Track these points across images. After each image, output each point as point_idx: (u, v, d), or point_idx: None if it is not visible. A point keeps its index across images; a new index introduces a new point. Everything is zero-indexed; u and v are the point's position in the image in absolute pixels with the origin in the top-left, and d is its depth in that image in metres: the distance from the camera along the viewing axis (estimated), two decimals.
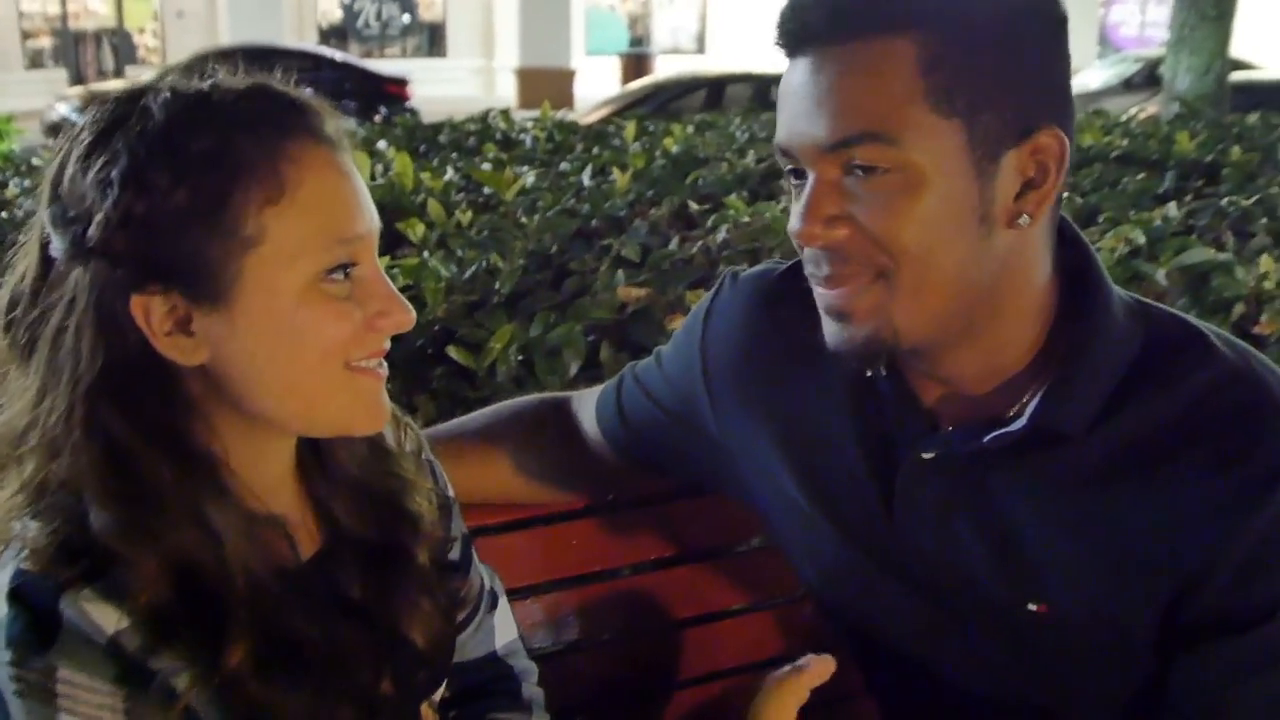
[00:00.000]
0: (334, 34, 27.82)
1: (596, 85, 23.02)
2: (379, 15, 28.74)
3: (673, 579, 1.76)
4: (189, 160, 1.01)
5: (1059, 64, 1.16)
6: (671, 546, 1.74)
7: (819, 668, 1.18)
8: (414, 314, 1.11)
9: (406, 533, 1.23)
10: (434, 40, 29.22)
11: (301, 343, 1.06)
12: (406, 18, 29.18)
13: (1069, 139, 1.15)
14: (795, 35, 1.15)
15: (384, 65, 20.84)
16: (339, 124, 1.11)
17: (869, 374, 1.29)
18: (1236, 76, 9.62)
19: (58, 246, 1.04)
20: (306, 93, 1.11)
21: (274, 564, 1.10)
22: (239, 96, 1.05)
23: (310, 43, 24.10)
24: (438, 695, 1.30)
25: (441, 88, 23.48)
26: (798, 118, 1.15)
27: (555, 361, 2.39)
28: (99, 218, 1.00)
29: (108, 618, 1.02)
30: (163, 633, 1.03)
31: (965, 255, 1.14)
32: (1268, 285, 2.90)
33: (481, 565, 1.39)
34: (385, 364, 1.12)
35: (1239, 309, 2.81)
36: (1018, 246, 1.16)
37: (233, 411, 1.09)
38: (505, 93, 23.89)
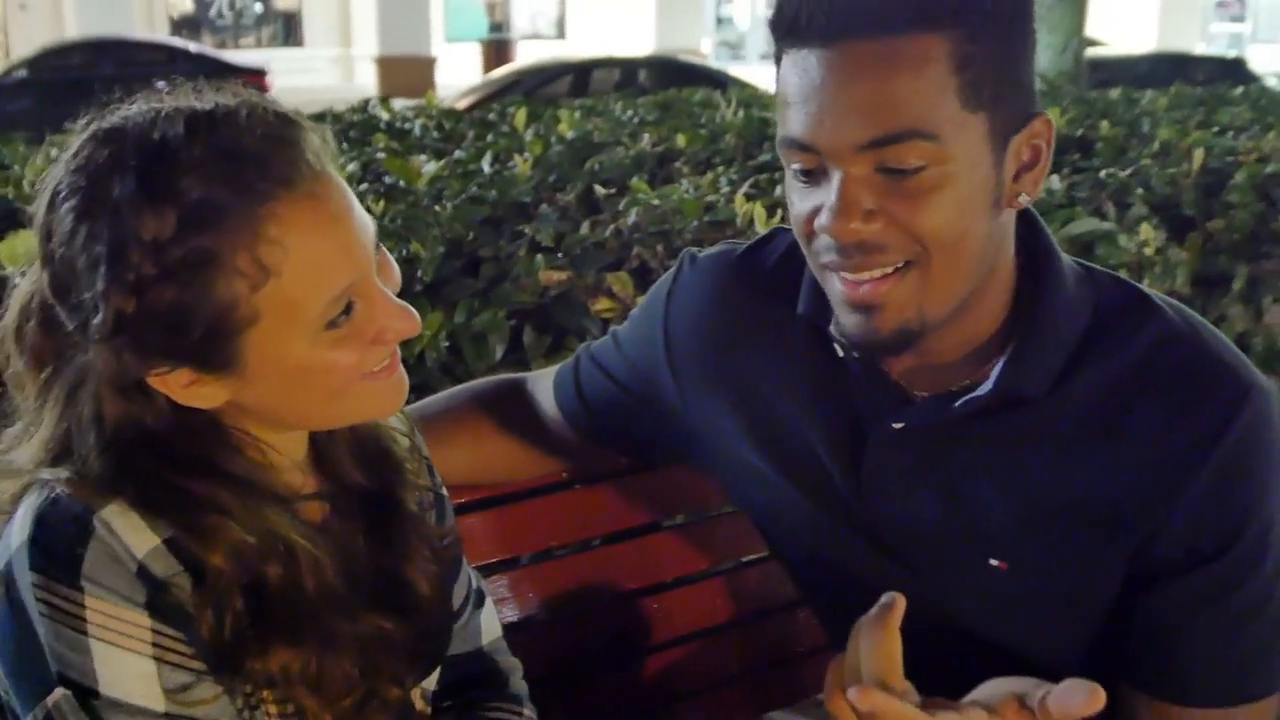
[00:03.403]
0: (186, 25, 27.12)
1: (458, 72, 22.89)
2: (232, 5, 28.13)
3: (628, 551, 1.82)
4: (168, 257, 1.00)
5: (1035, 53, 1.23)
6: (625, 520, 1.80)
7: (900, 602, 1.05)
8: (418, 319, 1.13)
9: (399, 481, 1.28)
10: (290, 29, 28.69)
11: (314, 382, 1.10)
12: (260, 7, 28.61)
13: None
14: (817, 26, 1.14)
15: (240, 56, 20.41)
16: (319, 143, 1.09)
17: (840, 353, 1.33)
18: (1090, 53, 9.98)
19: (62, 316, 1.06)
20: (283, 124, 1.07)
21: (306, 532, 1.15)
22: (211, 160, 1.02)
23: (162, 34, 23.50)
24: (430, 685, 1.33)
25: (299, 78, 23.10)
26: (826, 114, 1.14)
27: (481, 347, 2.43)
28: (96, 319, 1.02)
29: (139, 538, 1.05)
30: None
31: (983, 237, 1.19)
32: (1148, 252, 3.06)
33: (468, 566, 1.43)
34: (398, 349, 1.16)
35: (1123, 275, 2.97)
36: (1007, 223, 1.24)
37: (258, 420, 1.14)
38: (365, 81, 23.59)
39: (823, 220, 1.17)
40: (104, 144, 1.04)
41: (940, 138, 1.13)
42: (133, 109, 1.06)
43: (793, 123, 1.17)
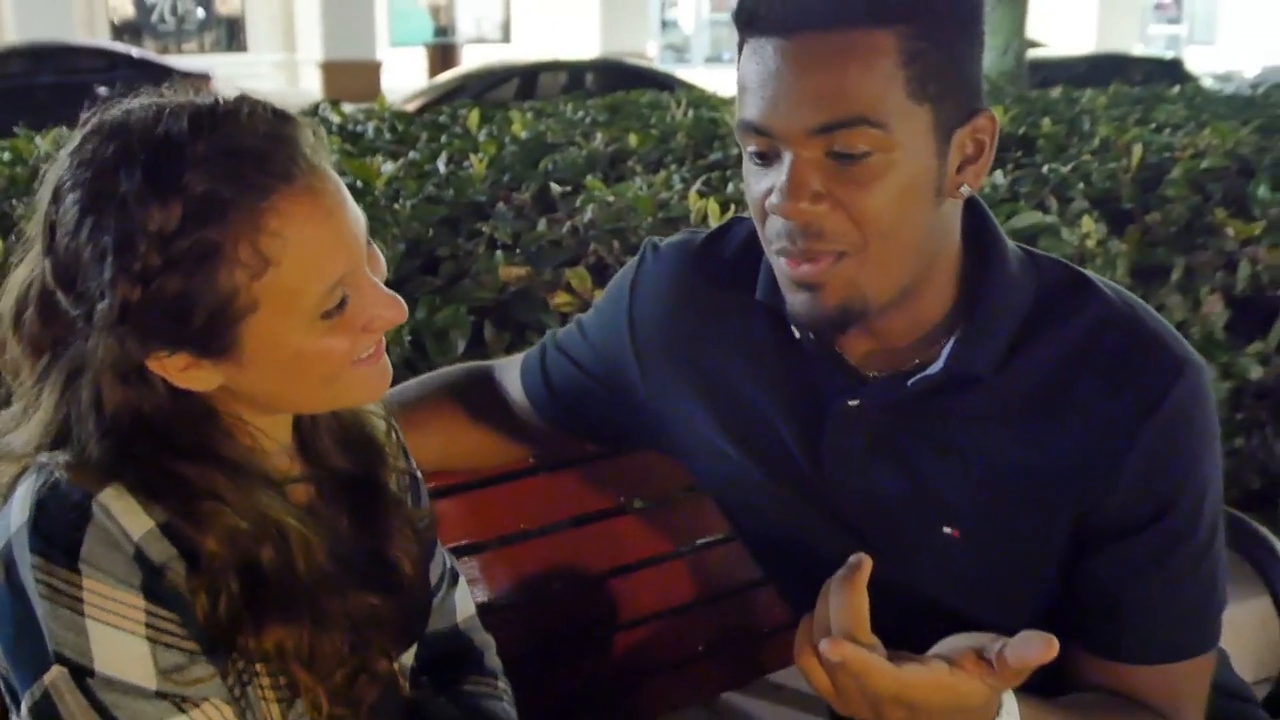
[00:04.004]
0: (127, 30, 26.81)
1: (403, 77, 22.81)
2: (174, 9, 27.84)
3: (594, 534, 1.87)
4: (174, 249, 1.04)
5: (983, 52, 1.30)
6: (591, 504, 1.86)
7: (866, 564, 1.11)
8: (405, 308, 1.18)
9: (380, 464, 1.33)
10: (233, 34, 28.47)
11: (307, 368, 1.15)
12: (202, 12, 28.35)
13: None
14: (777, 17, 1.21)
15: (183, 61, 20.21)
16: (314, 139, 1.13)
17: (797, 335, 1.39)
18: (1030, 54, 10.14)
19: (64, 304, 1.10)
20: (280, 121, 1.11)
21: (296, 514, 1.19)
22: (214, 156, 1.06)
23: (103, 39, 23.24)
24: (408, 661, 1.38)
25: (243, 83, 22.33)
26: (780, 99, 1.21)
27: (444, 343, 2.48)
28: (102, 307, 1.06)
29: (136, 521, 1.09)
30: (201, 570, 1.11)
31: (924, 226, 1.26)
32: (1090, 244, 3.16)
33: (441, 546, 1.48)
34: (384, 338, 1.20)
35: None
36: (951, 213, 1.30)
37: (251, 404, 1.19)
38: (310, 86, 23.46)
39: (773, 200, 1.24)
40: (109, 139, 1.08)
41: (887, 126, 1.20)
42: (134, 105, 1.11)
43: (750, 107, 1.24)
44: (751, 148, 1.27)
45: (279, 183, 1.08)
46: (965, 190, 1.29)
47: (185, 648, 1.11)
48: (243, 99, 1.11)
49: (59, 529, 1.07)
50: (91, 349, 1.10)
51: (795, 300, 1.29)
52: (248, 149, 1.07)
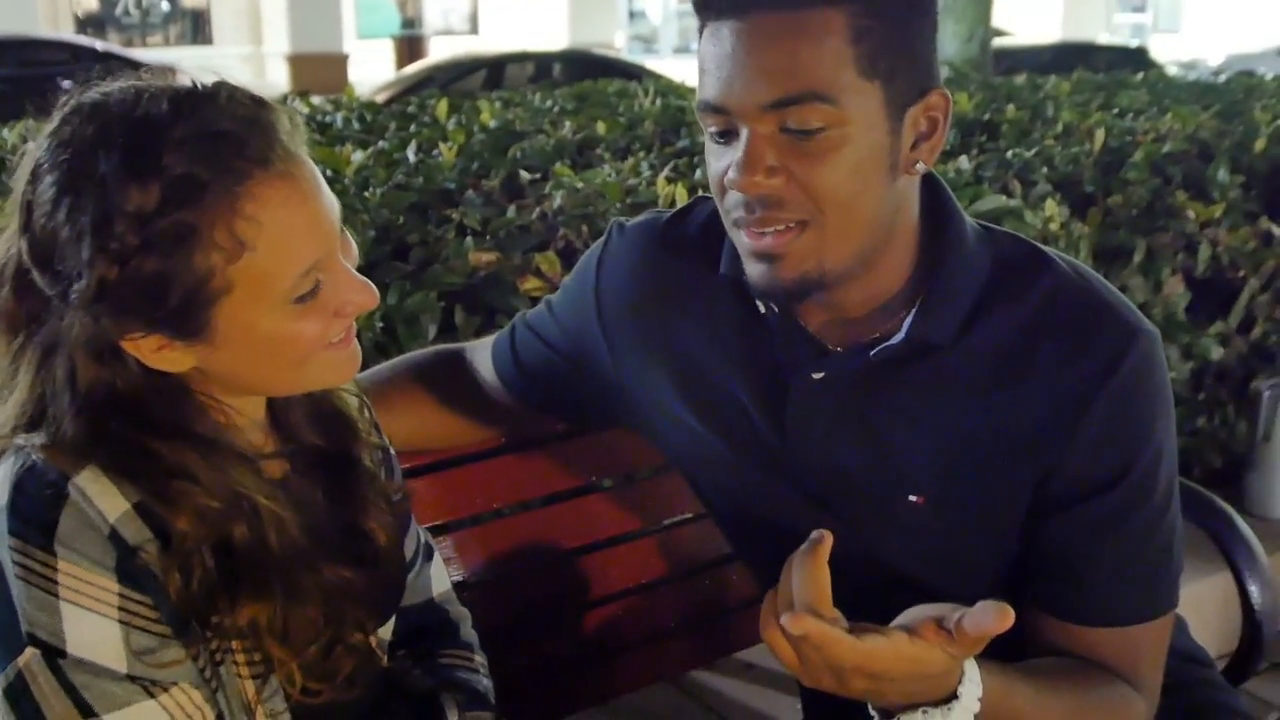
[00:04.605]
0: (91, 23, 26.61)
1: (370, 69, 22.71)
2: (139, 3, 27.65)
3: (565, 512, 1.90)
4: (151, 229, 1.06)
5: (936, 32, 1.33)
6: (562, 483, 1.88)
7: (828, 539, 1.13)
8: (377, 293, 1.20)
9: (353, 439, 1.35)
10: (198, 27, 28.26)
11: (279, 351, 1.17)
12: (167, 4, 28.15)
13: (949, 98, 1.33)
14: (736, 3, 1.25)
15: (148, 55, 20.09)
16: (293, 124, 1.15)
17: (763, 309, 1.43)
18: (996, 42, 10.21)
19: (40, 282, 1.11)
20: (258, 106, 1.13)
21: (269, 490, 1.21)
22: (192, 139, 1.07)
23: (67, 32, 23.07)
24: (386, 635, 1.40)
25: (210, 76, 22.76)
26: (734, 78, 1.25)
27: (414, 327, 2.49)
28: (77, 286, 1.07)
29: (111, 503, 1.10)
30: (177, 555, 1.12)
31: (879, 199, 1.30)
32: (1053, 227, 3.20)
33: (415, 521, 1.50)
34: (354, 323, 1.22)
35: None
36: (907, 188, 1.34)
37: (222, 385, 1.20)
38: (276, 79, 23.32)
39: (731, 175, 1.28)
40: (89, 120, 1.09)
41: (838, 102, 1.24)
42: (113, 87, 1.12)
43: (708, 87, 1.28)
44: (711, 127, 1.31)
45: (256, 167, 1.09)
46: (920, 167, 1.32)
47: (157, 631, 1.13)
48: (221, 84, 1.13)
49: (36, 510, 1.09)
50: (66, 327, 1.11)
51: (755, 271, 1.33)
52: (226, 133, 1.09)
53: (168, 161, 1.06)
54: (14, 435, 1.13)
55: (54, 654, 1.09)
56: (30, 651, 1.09)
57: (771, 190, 1.27)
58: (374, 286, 1.20)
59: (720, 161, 1.30)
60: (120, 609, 1.11)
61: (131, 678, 1.11)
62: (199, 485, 1.14)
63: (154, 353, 1.13)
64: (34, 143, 1.12)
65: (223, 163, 1.08)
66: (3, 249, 1.16)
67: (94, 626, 1.10)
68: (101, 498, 1.10)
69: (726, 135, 1.29)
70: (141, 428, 1.14)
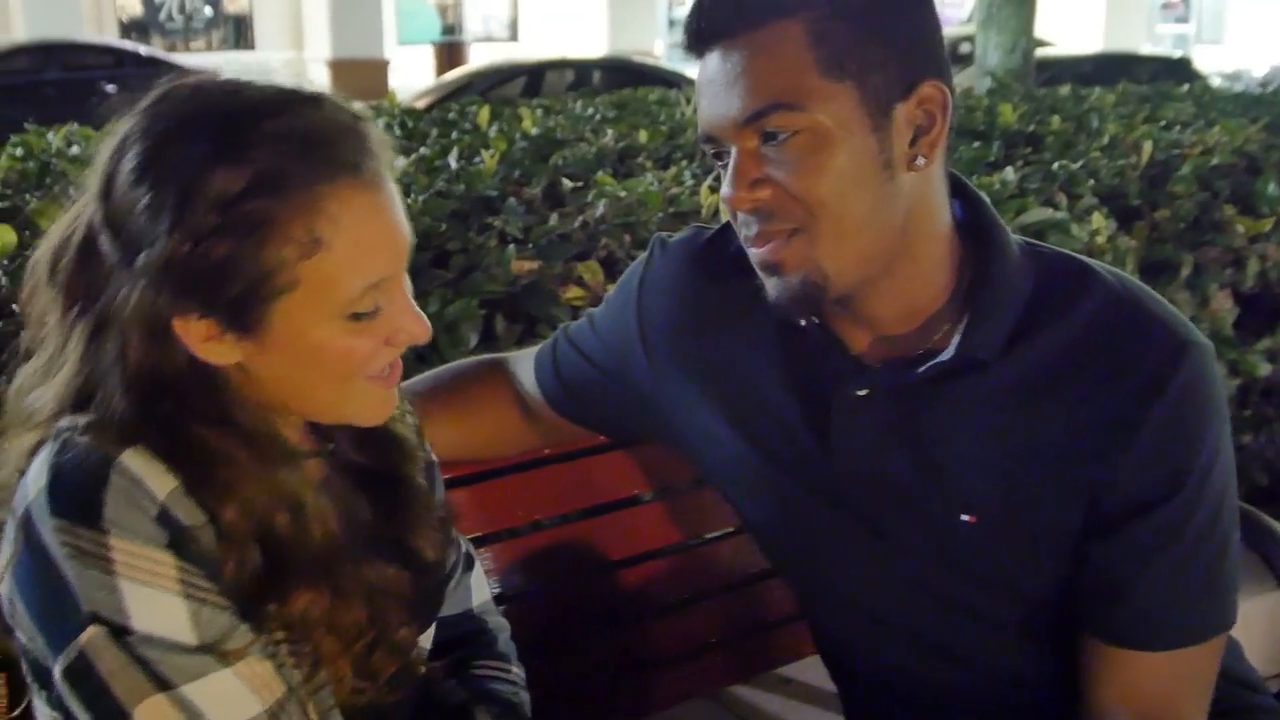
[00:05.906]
0: (135, 28, 26.87)
1: (411, 75, 22.81)
2: (182, 8, 27.88)
3: (606, 525, 1.89)
4: (232, 213, 1.07)
5: (929, 25, 1.33)
6: (603, 495, 1.87)
7: None
8: (429, 328, 1.19)
9: (399, 457, 1.34)
10: (240, 32, 28.50)
11: (324, 364, 1.16)
12: (210, 10, 28.38)
13: (950, 90, 1.32)
14: (701, 34, 1.30)
15: (191, 59, 20.30)
16: (381, 144, 1.16)
17: (802, 323, 1.42)
18: (1038, 52, 10.14)
19: (107, 248, 1.11)
20: (357, 118, 1.15)
21: (309, 485, 1.20)
22: (287, 134, 1.09)
23: (111, 37, 23.29)
24: (425, 644, 1.38)
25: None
26: (714, 103, 1.30)
27: (455, 335, 2.49)
28: (147, 254, 1.07)
29: (159, 482, 1.09)
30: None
31: (874, 199, 1.30)
32: (1099, 240, 3.16)
33: (456, 531, 1.49)
34: (399, 360, 1.22)
35: None
36: (919, 188, 1.33)
37: (260, 392, 1.19)
38: (318, 84, 23.44)
39: (724, 192, 1.32)
40: (188, 100, 1.11)
41: (805, 108, 1.26)
42: (216, 76, 1.14)
43: (700, 120, 1.34)
44: (711, 154, 1.35)
45: (344, 172, 1.11)
46: (921, 163, 1.31)
47: (220, 604, 1.10)
48: (323, 92, 1.15)
49: (80, 491, 1.07)
50: (123, 299, 1.10)
51: (767, 284, 1.35)
52: (320, 134, 1.11)
53: (259, 151, 1.07)
54: (56, 420, 1.12)
55: (119, 631, 1.06)
56: (93, 629, 1.06)
57: (760, 203, 1.30)
58: (429, 322, 1.19)
59: (723, 185, 1.33)
60: (181, 581, 1.08)
61: (203, 648, 1.08)
62: (245, 475, 1.13)
63: (203, 341, 1.12)
64: (123, 119, 1.13)
65: (313, 160, 1.09)
66: (70, 218, 1.16)
67: (157, 601, 1.07)
68: (150, 477, 1.08)
69: (722, 158, 1.33)
70: (189, 413, 1.13)
